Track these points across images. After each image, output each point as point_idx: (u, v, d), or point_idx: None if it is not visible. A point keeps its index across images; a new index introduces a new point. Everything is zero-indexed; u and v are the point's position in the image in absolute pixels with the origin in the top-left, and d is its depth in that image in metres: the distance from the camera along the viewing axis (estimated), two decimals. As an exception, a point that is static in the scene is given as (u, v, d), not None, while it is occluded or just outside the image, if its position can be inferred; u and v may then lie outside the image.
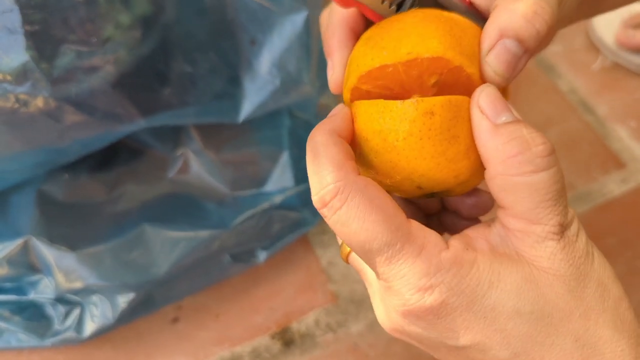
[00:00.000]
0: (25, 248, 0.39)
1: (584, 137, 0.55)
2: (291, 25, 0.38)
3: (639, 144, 0.54)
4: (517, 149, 0.21)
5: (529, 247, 0.21)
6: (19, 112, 0.33)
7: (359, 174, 0.22)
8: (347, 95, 0.25)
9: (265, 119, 0.45)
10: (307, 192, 0.45)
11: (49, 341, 0.40)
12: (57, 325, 0.40)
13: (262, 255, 0.44)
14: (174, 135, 0.44)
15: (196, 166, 0.44)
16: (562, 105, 0.57)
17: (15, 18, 0.32)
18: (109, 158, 0.43)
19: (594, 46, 0.62)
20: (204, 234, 0.40)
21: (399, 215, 0.21)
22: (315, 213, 0.45)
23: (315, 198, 0.22)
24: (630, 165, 0.53)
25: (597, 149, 0.54)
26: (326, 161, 0.21)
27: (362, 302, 0.45)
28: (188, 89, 0.37)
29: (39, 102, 0.33)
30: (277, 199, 0.43)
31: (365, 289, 0.45)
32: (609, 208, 0.50)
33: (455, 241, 0.22)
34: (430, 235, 0.22)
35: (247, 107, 0.39)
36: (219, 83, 0.38)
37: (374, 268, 0.22)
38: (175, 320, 0.44)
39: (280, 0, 0.37)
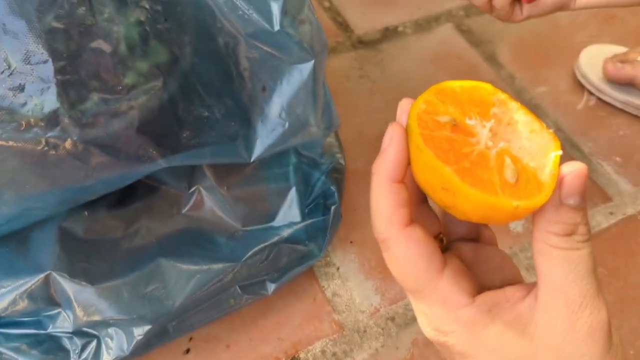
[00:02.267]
0: (46, 283, 0.40)
1: (572, 172, 0.58)
2: (299, 73, 0.41)
3: (624, 178, 0.58)
4: (564, 232, 0.23)
5: (548, 323, 0.23)
6: (48, 154, 0.36)
7: (408, 225, 0.24)
8: (413, 121, 0.25)
9: (273, 158, 0.48)
10: (313, 226, 0.47)
11: None
12: (73, 358, 0.41)
13: (271, 287, 0.46)
14: (189, 173, 0.46)
15: (209, 202, 0.46)
16: (551, 142, 0.60)
17: (48, 69, 0.34)
18: (126, 195, 0.45)
19: (578, 87, 0.66)
20: (217, 267, 0.42)
21: (432, 268, 0.24)
22: (321, 247, 0.47)
23: (374, 232, 0.25)
24: (616, 198, 0.56)
25: (584, 183, 0.57)
26: (377, 212, 0.25)
27: (366, 332, 0.47)
28: (205, 132, 0.40)
29: (68, 145, 0.36)
30: (285, 233, 0.46)
31: (368, 319, 0.48)
32: (598, 240, 0.53)
33: (483, 299, 0.24)
34: (455, 292, 0.24)
35: (259, 147, 0.42)
36: (232, 126, 0.41)
37: (408, 296, 0.26)
38: (187, 351, 0.45)
39: (289, 50, 0.40)
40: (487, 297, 0.24)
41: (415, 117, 0.25)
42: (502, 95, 0.26)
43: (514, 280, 0.27)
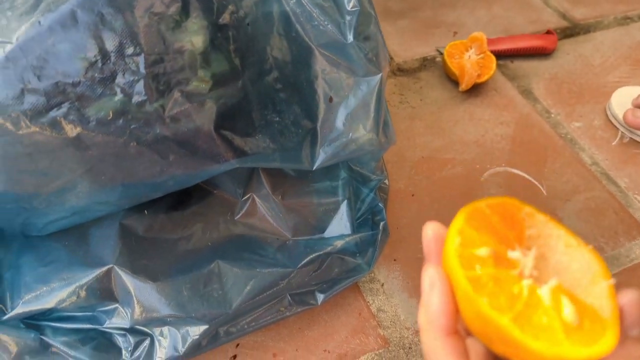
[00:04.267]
0: (107, 277, 0.40)
1: (609, 205, 0.59)
2: (366, 85, 0.42)
3: (661, 214, 0.59)
4: None
5: None
6: (130, 147, 0.36)
7: None
8: (453, 260, 0.24)
9: (325, 171, 0.49)
10: (363, 240, 0.48)
11: None
12: (125, 356, 0.41)
13: (320, 298, 0.46)
14: (245, 180, 0.47)
15: (262, 210, 0.47)
16: (587, 176, 0.62)
17: (140, 62, 0.35)
18: (183, 199, 0.46)
19: (612, 124, 0.68)
20: (273, 271, 0.43)
21: None
22: (369, 261, 0.48)
23: None
24: (654, 232, 0.57)
25: (622, 216, 0.58)
26: None
27: (411, 349, 0.47)
28: (275, 136, 0.41)
29: (149, 138, 0.36)
30: (337, 245, 0.46)
31: (414, 335, 0.47)
32: (636, 271, 0.54)
33: None
34: None
35: (321, 156, 0.42)
36: (299, 132, 0.42)
37: None
38: (234, 357, 0.45)
39: (359, 63, 0.41)
40: None
41: (455, 255, 0.24)
42: (528, 209, 0.26)
43: None
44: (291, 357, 0.46)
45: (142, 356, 0.41)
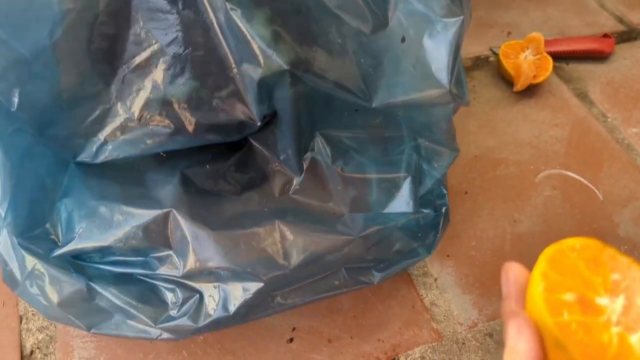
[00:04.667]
0: (165, 220, 0.39)
1: (667, 213, 0.58)
2: (444, 27, 0.37)
3: None
4: None
5: None
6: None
7: None
8: (541, 306, 0.24)
9: (391, 145, 0.45)
10: (425, 221, 0.46)
11: (160, 327, 0.39)
12: (172, 312, 0.40)
13: (376, 277, 0.44)
14: (304, 148, 0.44)
15: (320, 181, 0.44)
16: (644, 182, 0.61)
17: (192, 56, 0.36)
18: (244, 162, 0.44)
19: (671, 131, 0.66)
20: (333, 237, 0.41)
21: None
22: (429, 247, 0.46)
23: None
24: None
25: (680, 225, 0.57)
26: None
27: (464, 344, 0.47)
28: (333, 57, 0.38)
29: (189, 125, 0.38)
30: (399, 221, 0.43)
31: (467, 331, 0.48)
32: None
33: None
34: None
35: (384, 95, 0.39)
36: (362, 63, 0.39)
37: None
38: (290, 340, 0.46)
39: (439, 4, 0.37)
40: None
41: (542, 300, 0.24)
42: (610, 251, 0.26)
43: None
44: (346, 344, 0.46)
45: (190, 312, 0.39)
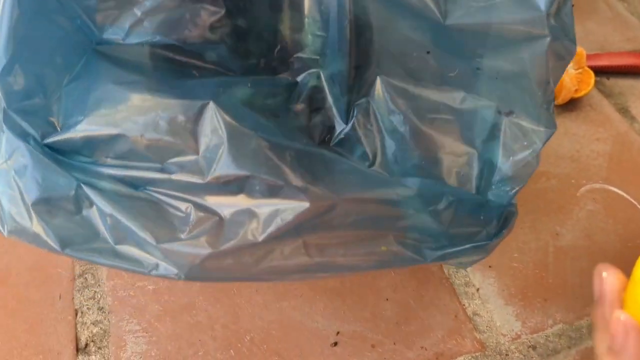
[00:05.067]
0: (199, 112, 0.32)
1: None
2: None
3: None
4: None
5: None
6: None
7: None
8: None
9: (467, 110, 0.38)
10: (491, 207, 0.39)
11: (162, 246, 0.31)
12: (181, 231, 0.32)
13: (430, 255, 0.37)
14: (366, 88, 0.38)
15: (370, 137, 0.38)
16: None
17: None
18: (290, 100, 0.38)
19: None
20: (384, 191, 0.35)
21: None
22: (489, 236, 0.39)
23: None
24: None
25: None
26: None
27: (507, 356, 0.47)
28: None
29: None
30: (462, 194, 0.38)
31: (510, 343, 0.48)
32: None
33: None
34: None
35: (459, 12, 0.34)
36: None
37: None
38: (335, 344, 0.47)
39: None
40: None
41: None
42: None
43: None
44: (389, 350, 0.47)
45: (205, 234, 0.31)
